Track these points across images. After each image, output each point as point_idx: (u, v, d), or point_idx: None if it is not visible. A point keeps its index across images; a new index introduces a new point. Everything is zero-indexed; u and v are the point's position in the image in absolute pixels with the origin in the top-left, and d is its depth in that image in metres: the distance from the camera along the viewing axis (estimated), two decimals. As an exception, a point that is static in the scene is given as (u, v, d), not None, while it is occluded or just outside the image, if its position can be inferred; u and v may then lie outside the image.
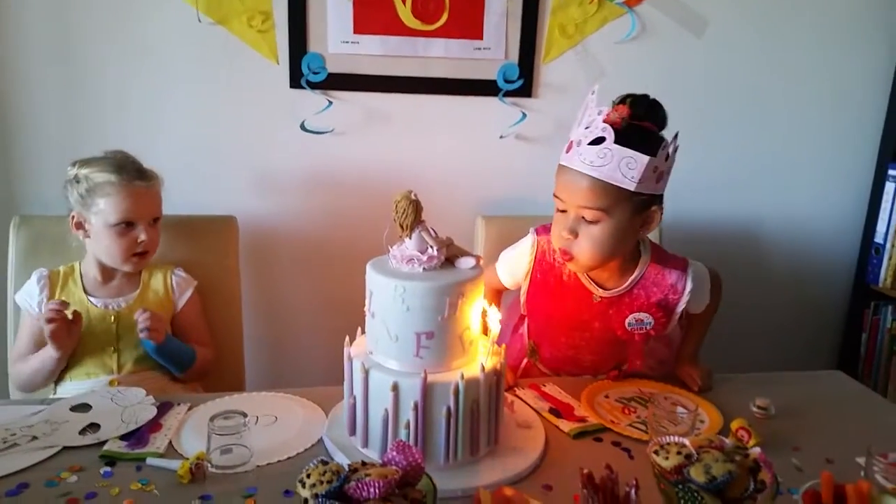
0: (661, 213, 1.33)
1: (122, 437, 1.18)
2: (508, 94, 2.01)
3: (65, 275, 1.60)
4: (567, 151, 1.29)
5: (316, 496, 0.82)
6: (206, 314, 1.72)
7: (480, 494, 0.90)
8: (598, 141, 1.23)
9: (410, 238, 1.13)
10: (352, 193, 2.04)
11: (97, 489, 1.05)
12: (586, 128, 1.25)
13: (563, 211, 1.32)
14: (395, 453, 0.89)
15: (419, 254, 1.12)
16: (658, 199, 1.32)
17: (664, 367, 1.54)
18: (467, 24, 1.96)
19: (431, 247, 1.13)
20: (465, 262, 1.15)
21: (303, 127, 1.96)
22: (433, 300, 1.08)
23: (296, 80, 1.93)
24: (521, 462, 1.15)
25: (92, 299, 1.57)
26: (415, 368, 1.09)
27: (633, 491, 0.92)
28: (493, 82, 2.00)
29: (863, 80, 2.20)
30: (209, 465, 1.08)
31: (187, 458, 1.10)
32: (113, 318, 1.55)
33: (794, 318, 2.39)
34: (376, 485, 0.81)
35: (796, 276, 2.35)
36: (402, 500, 0.85)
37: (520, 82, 2.01)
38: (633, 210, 1.28)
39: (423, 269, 1.12)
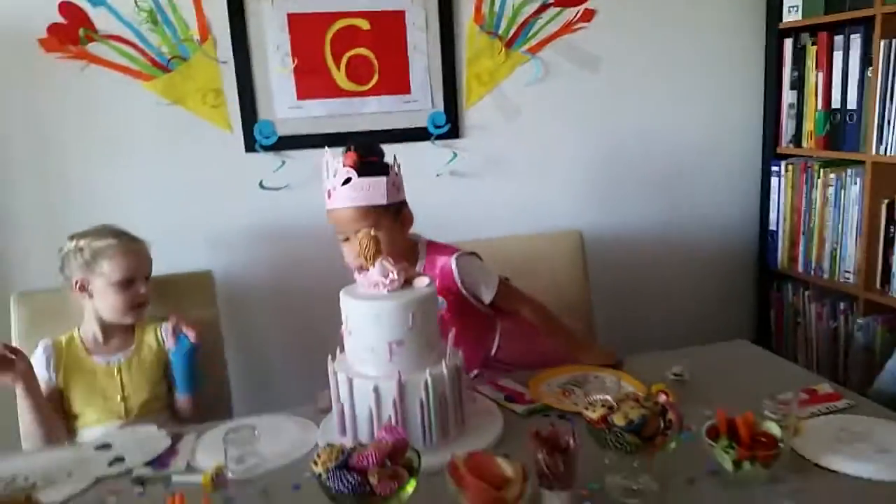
0: (410, 211, 1.73)
1: (146, 464, 1.38)
2: (439, 137, 2.30)
3: (67, 342, 1.77)
4: (329, 198, 1.63)
5: (328, 469, 1.05)
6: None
7: (455, 458, 1.15)
8: (348, 181, 1.59)
9: (374, 267, 1.38)
10: (309, 239, 2.22)
11: (136, 504, 1.26)
12: (334, 176, 1.60)
13: (347, 239, 1.65)
14: (384, 433, 1.13)
15: (383, 279, 1.37)
16: (404, 203, 1.71)
17: (533, 345, 1.83)
18: (396, 81, 2.25)
19: (392, 272, 1.38)
20: (421, 282, 1.41)
21: (261, 185, 2.21)
22: (400, 314, 1.33)
23: (250, 145, 2.18)
24: (485, 438, 1.39)
25: (95, 358, 1.76)
26: (390, 372, 1.33)
27: (571, 439, 1.18)
28: (425, 129, 2.29)
29: (740, 97, 2.57)
30: (228, 472, 1.29)
31: (208, 471, 1.30)
32: (116, 370, 1.75)
33: (711, 303, 2.70)
34: (374, 453, 1.05)
35: (710, 267, 2.68)
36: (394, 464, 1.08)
37: (447, 126, 2.30)
38: (391, 217, 1.66)
39: (388, 290, 1.37)
